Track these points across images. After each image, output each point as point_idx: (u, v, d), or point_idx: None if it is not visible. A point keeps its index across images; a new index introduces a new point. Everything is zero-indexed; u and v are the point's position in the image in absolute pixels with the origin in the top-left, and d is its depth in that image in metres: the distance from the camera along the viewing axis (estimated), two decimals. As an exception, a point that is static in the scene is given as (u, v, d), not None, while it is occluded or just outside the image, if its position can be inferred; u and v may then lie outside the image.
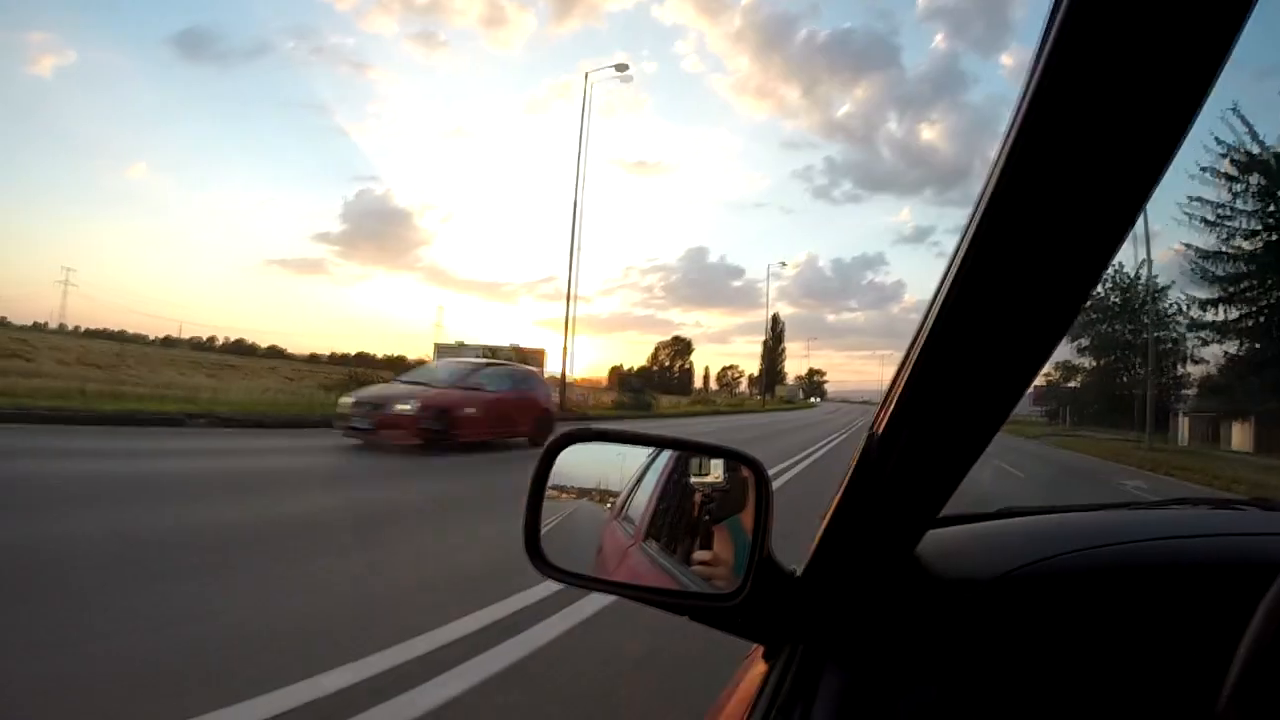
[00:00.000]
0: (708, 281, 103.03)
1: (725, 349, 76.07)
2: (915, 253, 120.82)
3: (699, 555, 0.56)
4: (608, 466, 0.62)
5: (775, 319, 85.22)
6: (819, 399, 75.31)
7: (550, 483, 0.60)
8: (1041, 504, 0.66)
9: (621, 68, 18.98)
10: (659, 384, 64.66)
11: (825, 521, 0.51)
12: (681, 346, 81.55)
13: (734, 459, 0.57)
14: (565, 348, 18.53)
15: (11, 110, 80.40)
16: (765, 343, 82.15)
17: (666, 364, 78.12)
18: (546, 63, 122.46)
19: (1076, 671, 0.47)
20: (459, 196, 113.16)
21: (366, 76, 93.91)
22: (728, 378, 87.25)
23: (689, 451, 0.60)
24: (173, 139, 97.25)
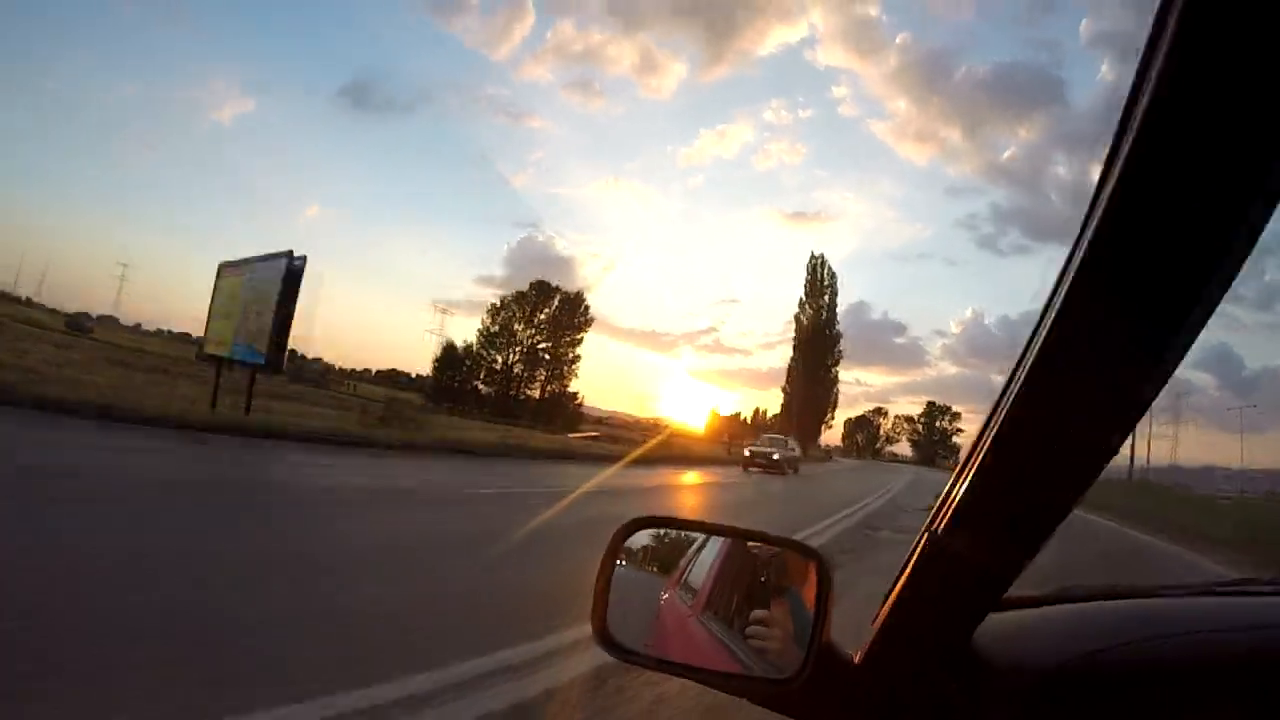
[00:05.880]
0: (868, 338, 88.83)
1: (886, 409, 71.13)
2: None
3: (756, 614, 0.57)
4: (670, 542, 0.63)
5: (817, 266, 45.04)
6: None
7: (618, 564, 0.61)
8: (1103, 585, 0.64)
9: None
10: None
11: (885, 610, 0.51)
12: (564, 307, 40.28)
13: (796, 551, 0.58)
14: None
15: (197, 152, 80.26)
16: (794, 343, 44.26)
17: (528, 347, 39.63)
18: (700, 110, 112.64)
19: None
20: (620, 244, 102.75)
21: (525, 125, 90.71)
22: (766, 420, 49.43)
23: (750, 541, 0.61)
24: (338, 185, 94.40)
